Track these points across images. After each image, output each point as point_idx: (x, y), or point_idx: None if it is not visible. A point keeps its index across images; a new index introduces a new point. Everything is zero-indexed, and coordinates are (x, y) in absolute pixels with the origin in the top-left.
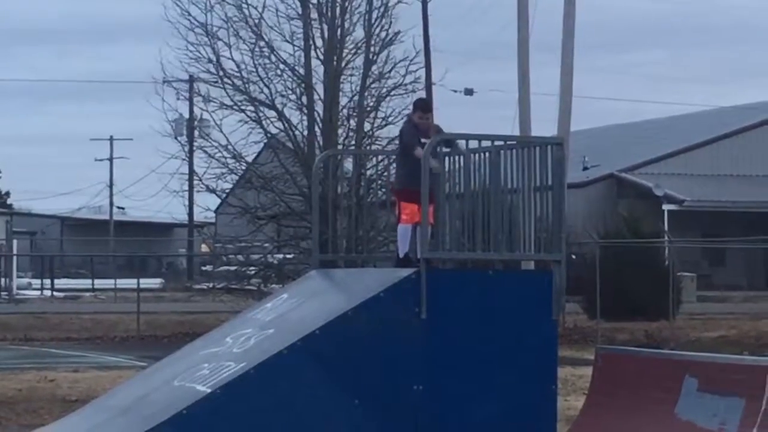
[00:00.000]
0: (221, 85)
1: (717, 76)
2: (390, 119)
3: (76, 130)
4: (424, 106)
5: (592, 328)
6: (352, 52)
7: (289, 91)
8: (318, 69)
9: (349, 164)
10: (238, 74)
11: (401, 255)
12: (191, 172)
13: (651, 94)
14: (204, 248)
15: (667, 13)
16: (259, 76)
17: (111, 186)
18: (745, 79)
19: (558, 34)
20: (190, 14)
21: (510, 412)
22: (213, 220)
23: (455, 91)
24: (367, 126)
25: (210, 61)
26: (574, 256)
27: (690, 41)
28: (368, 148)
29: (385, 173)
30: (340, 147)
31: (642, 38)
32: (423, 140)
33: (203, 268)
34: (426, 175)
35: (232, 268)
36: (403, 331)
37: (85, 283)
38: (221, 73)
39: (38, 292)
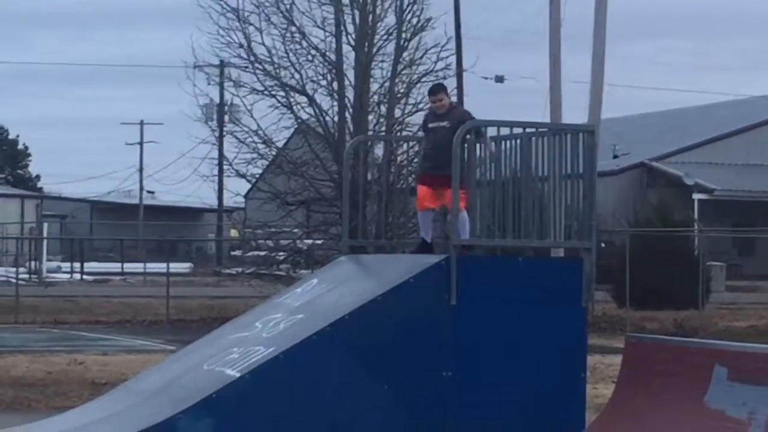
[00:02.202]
0: (252, 71)
1: (746, 65)
2: (420, 106)
3: (106, 114)
4: (429, 90)
5: (621, 317)
6: (384, 38)
7: (320, 77)
8: (349, 55)
9: (379, 150)
10: (269, 59)
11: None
12: (221, 156)
13: (676, 83)
14: (233, 233)
15: (691, 1)
16: (290, 61)
17: (141, 170)
18: None
19: (590, 21)
20: None
21: (539, 400)
22: (243, 205)
23: (486, 78)
24: (397, 112)
25: (241, 46)
26: (603, 245)
27: (716, 30)
28: (399, 134)
29: (415, 159)
30: (370, 133)
31: (667, 26)
32: (430, 125)
33: (232, 253)
34: (456, 163)
35: (262, 253)
36: (433, 317)
37: (114, 266)
38: (252, 58)
39: (68, 276)
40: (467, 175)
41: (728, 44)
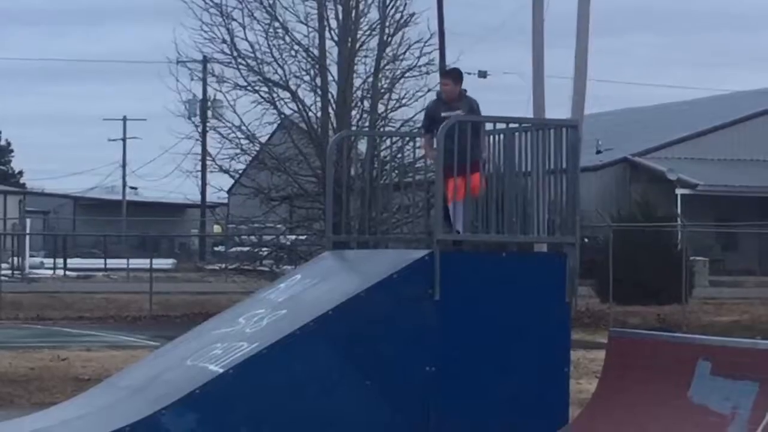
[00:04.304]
0: (235, 66)
1: (729, 61)
2: (404, 101)
3: (89, 111)
4: (442, 71)
5: (605, 312)
6: (367, 33)
7: (303, 72)
8: (332, 50)
9: (362, 146)
10: (252, 55)
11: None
12: (204, 152)
13: (653, 79)
14: (216, 229)
15: None
16: (273, 56)
17: (124, 166)
18: (757, 63)
19: (573, 16)
20: None
21: (522, 395)
22: (226, 201)
23: (469, 74)
24: (380, 108)
25: (224, 41)
26: (586, 240)
27: (691, 26)
28: (382, 129)
29: (399, 155)
30: (353, 128)
31: (641, 22)
32: (443, 114)
33: (216, 249)
34: (441, 155)
35: (245, 248)
36: (416, 312)
37: (97, 262)
38: (235, 53)
39: (51, 272)
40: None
41: (703, 40)
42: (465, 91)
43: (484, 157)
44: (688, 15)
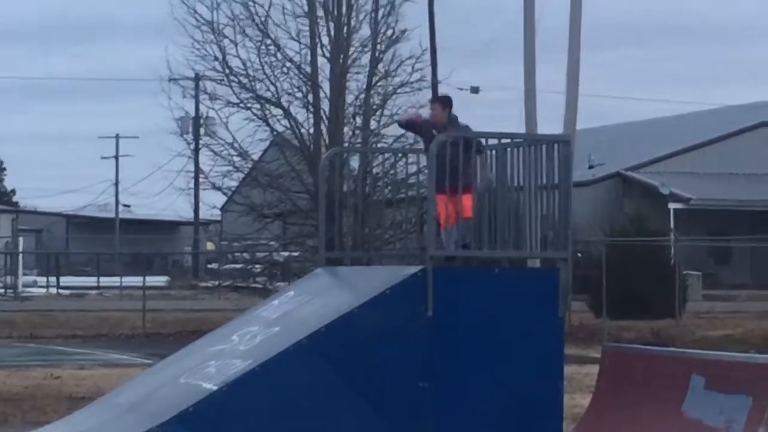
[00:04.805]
0: (227, 83)
1: (720, 75)
2: (396, 117)
3: (81, 129)
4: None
5: (598, 326)
6: (359, 50)
7: (296, 89)
8: (324, 67)
9: (355, 162)
10: (245, 72)
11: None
12: (197, 169)
13: (647, 93)
14: (210, 246)
15: (654, 12)
16: (265, 74)
17: (117, 184)
18: (747, 78)
19: (564, 32)
20: (196, 12)
21: (516, 410)
22: (219, 218)
23: (461, 89)
24: (373, 124)
25: (216, 59)
26: (580, 255)
27: (676, 40)
28: (374, 146)
29: (392, 171)
30: (346, 145)
31: (627, 36)
32: (435, 132)
33: (209, 266)
34: (432, 172)
35: (238, 266)
36: (410, 328)
37: (90, 280)
38: (227, 71)
39: (44, 290)
40: (471, 184)
41: (693, 54)
42: (455, 117)
43: (483, 180)
44: (677, 30)
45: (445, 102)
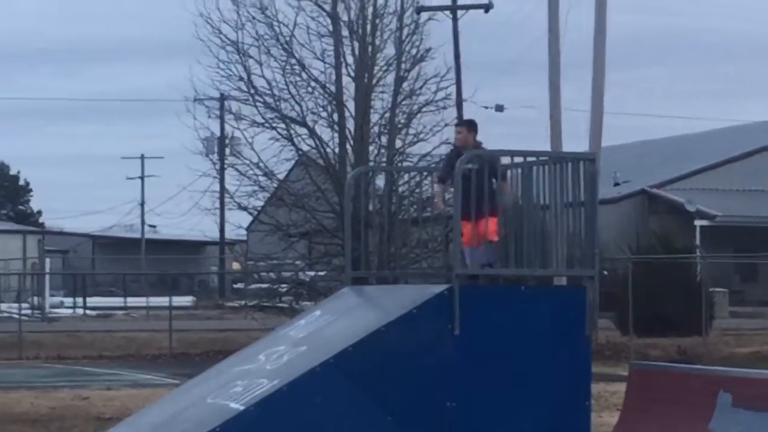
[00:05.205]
0: (252, 103)
1: (744, 91)
2: (421, 136)
3: (106, 150)
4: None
5: (625, 344)
6: (383, 69)
7: (321, 109)
8: (349, 86)
9: (380, 181)
10: (270, 92)
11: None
12: (222, 189)
13: (672, 111)
14: (235, 266)
15: (674, 30)
16: (290, 93)
17: (142, 204)
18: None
19: (588, 49)
20: (221, 32)
21: (544, 429)
22: (245, 238)
23: (486, 108)
24: (398, 143)
25: (241, 78)
26: (606, 272)
27: (711, 57)
28: (400, 164)
29: (417, 190)
30: (371, 164)
31: (647, 54)
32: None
33: (235, 286)
34: (458, 191)
35: (264, 285)
36: (436, 347)
37: (117, 301)
38: (252, 90)
39: (71, 311)
40: (497, 205)
41: (716, 71)
42: (480, 143)
43: (504, 202)
44: (700, 47)
45: (471, 126)
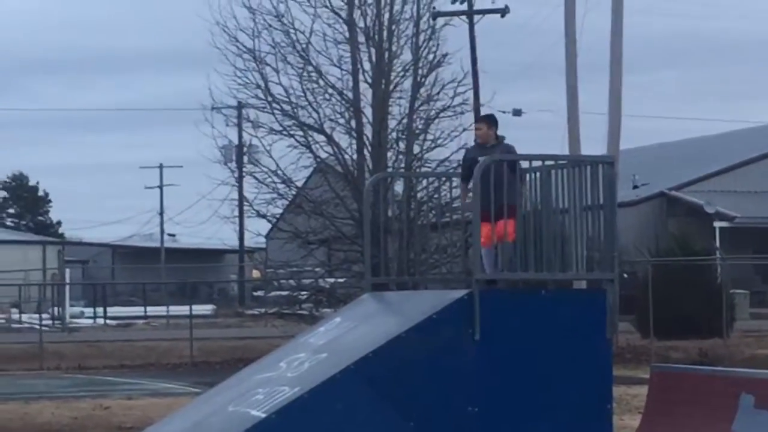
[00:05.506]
0: (270, 111)
1: (758, 92)
2: (439, 141)
3: (125, 159)
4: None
5: (646, 347)
6: (400, 74)
7: (338, 115)
8: (366, 92)
9: (399, 187)
10: (287, 99)
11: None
12: (241, 197)
13: (686, 113)
14: (255, 274)
15: (688, 32)
16: (307, 100)
17: (161, 213)
18: None
19: (606, 52)
20: (237, 40)
21: None
22: (264, 246)
23: (504, 112)
24: (416, 148)
25: (258, 86)
26: (625, 275)
27: (724, 59)
28: (418, 170)
29: (436, 195)
30: (389, 170)
31: (661, 57)
32: (479, 159)
33: (255, 294)
34: (477, 195)
35: (284, 293)
36: (457, 352)
37: (137, 310)
38: (270, 98)
39: (91, 321)
40: (516, 205)
41: (730, 72)
42: (503, 137)
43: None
44: (712, 49)
45: (491, 121)
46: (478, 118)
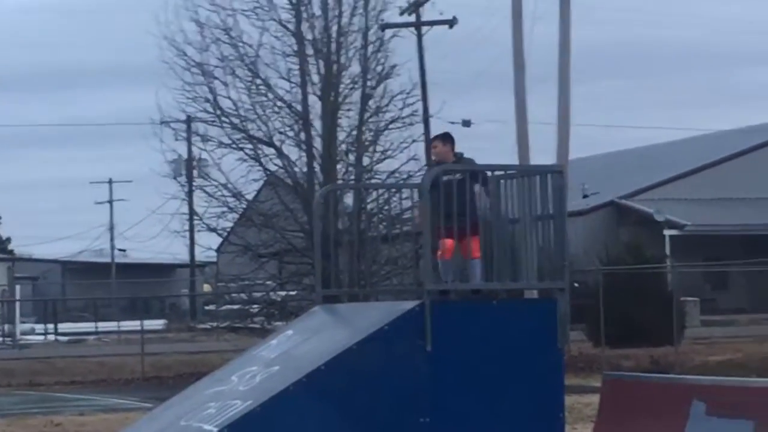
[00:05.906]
0: (219, 124)
1: (704, 101)
2: (389, 153)
3: (74, 175)
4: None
5: (597, 356)
6: (349, 87)
7: (287, 128)
8: (315, 105)
9: (349, 199)
10: (236, 113)
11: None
12: (191, 211)
13: (633, 122)
14: (206, 288)
15: (635, 42)
16: (256, 113)
17: (111, 229)
18: (735, 102)
19: (553, 62)
20: (186, 54)
21: None
22: (215, 259)
23: (453, 123)
24: (366, 160)
25: (207, 100)
26: (576, 284)
27: (668, 67)
28: (368, 182)
29: (386, 207)
30: (339, 182)
31: (605, 66)
32: (445, 178)
33: (206, 308)
34: (426, 205)
35: (235, 306)
36: (409, 363)
37: (88, 326)
38: (218, 112)
39: (42, 337)
40: (478, 221)
41: (675, 81)
42: (461, 154)
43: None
44: (656, 58)
45: (445, 138)
46: (434, 137)
